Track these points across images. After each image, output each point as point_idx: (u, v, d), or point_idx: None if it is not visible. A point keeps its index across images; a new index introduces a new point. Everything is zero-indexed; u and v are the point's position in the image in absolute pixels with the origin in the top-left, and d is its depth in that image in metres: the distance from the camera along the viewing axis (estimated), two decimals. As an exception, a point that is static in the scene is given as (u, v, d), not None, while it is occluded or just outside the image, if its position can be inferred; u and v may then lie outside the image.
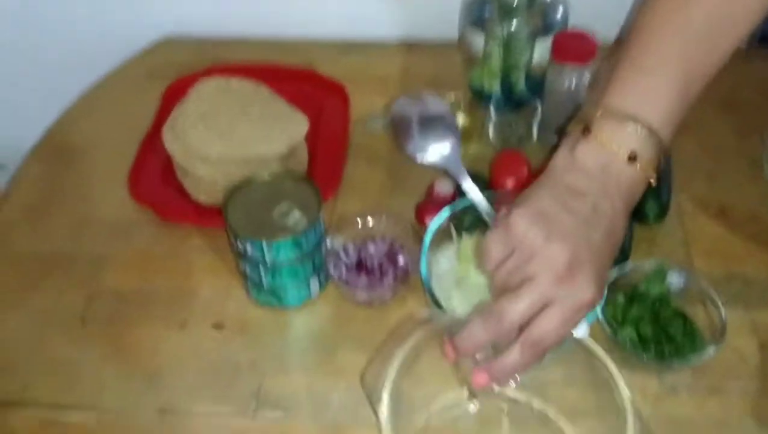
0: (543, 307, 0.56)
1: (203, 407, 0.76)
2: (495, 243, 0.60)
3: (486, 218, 0.77)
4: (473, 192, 0.79)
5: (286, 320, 0.84)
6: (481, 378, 0.60)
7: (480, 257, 0.62)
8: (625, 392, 0.60)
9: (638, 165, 0.61)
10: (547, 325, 0.57)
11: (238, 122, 0.91)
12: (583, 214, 0.59)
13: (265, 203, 0.80)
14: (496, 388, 0.74)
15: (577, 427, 0.71)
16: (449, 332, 0.63)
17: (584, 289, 0.57)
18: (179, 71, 1.11)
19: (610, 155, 0.61)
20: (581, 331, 0.62)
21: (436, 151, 0.85)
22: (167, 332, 0.83)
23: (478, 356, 0.61)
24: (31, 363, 0.81)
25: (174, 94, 1.04)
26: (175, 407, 0.76)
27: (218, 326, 0.84)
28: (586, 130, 0.63)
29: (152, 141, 1.00)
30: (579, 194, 0.60)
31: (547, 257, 0.57)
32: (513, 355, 0.58)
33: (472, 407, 0.73)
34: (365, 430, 0.72)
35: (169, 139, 0.92)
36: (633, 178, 0.62)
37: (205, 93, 0.95)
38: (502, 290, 0.59)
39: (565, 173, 0.62)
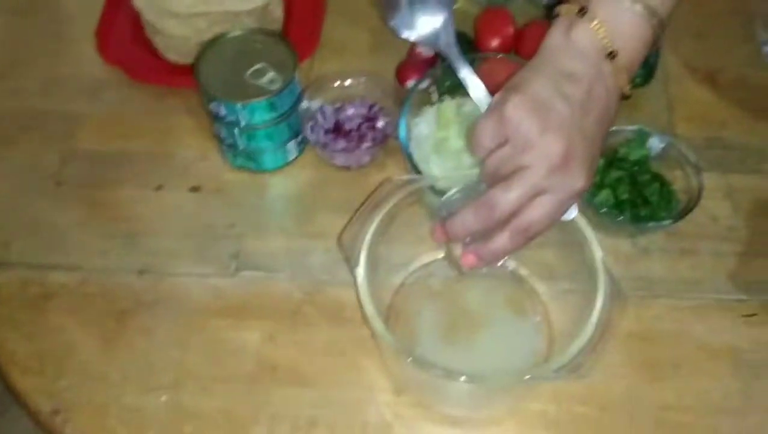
0: (535, 196, 0.56)
1: (183, 267, 0.77)
2: (487, 131, 0.59)
3: (479, 104, 0.74)
4: (471, 80, 0.73)
5: (264, 183, 0.83)
6: (469, 259, 0.61)
7: (471, 142, 0.61)
8: (597, 252, 0.61)
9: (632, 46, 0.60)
10: (538, 213, 0.57)
11: (209, -26, 0.86)
12: (578, 100, 0.57)
13: (239, 63, 0.77)
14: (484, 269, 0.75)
15: (549, 287, 0.73)
16: (440, 215, 0.63)
17: (577, 177, 0.57)
18: None
19: (605, 37, 0.59)
20: (571, 214, 0.62)
21: (426, 25, 0.77)
22: (144, 193, 0.83)
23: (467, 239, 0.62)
24: (9, 222, 0.81)
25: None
26: (155, 268, 0.77)
27: (195, 188, 0.83)
28: (582, 10, 0.61)
29: (119, -6, 0.95)
30: (574, 78, 0.58)
31: (542, 148, 0.56)
32: (502, 240, 0.58)
33: (447, 266, 0.75)
34: (343, 290, 0.74)
35: (136, -7, 0.87)
36: (629, 57, 0.60)
37: (173, -58, 0.89)
38: (493, 178, 0.59)
39: (559, 56, 0.60)
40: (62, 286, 0.76)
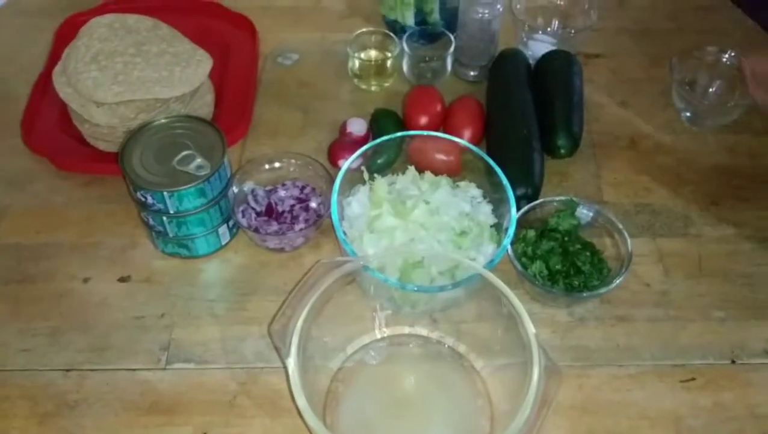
0: None
1: (111, 363, 0.74)
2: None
3: None
4: None
5: (196, 270, 0.81)
6: None
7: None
8: (529, 328, 0.61)
9: None
10: None
11: (135, 62, 0.86)
12: None
13: (166, 150, 0.76)
14: (408, 328, 0.74)
15: (487, 362, 0.72)
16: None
17: None
18: (73, 7, 1.04)
19: None
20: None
21: None
22: (71, 286, 0.80)
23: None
24: (-77, 326, 0.77)
25: (67, 33, 0.97)
26: (81, 364, 0.74)
27: (124, 279, 0.80)
28: None
29: (45, 85, 0.94)
30: None
31: None
32: None
33: (385, 347, 0.73)
34: (280, 376, 0.72)
35: (60, 82, 0.86)
36: None
37: (99, 32, 0.89)
38: None
39: None
40: (-20, 389, 0.72)
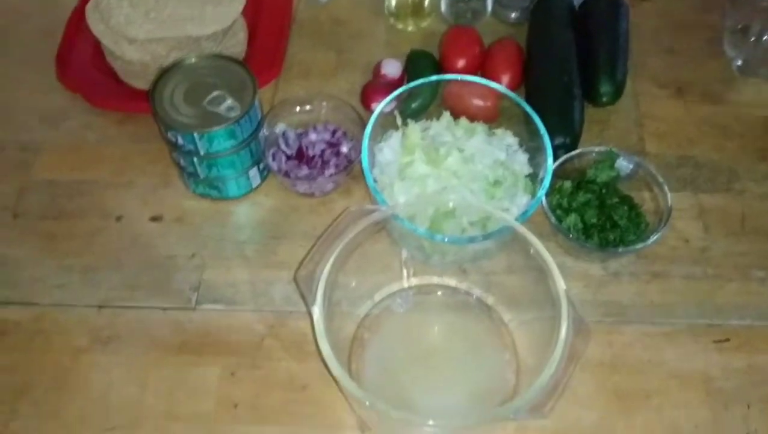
0: None
1: (143, 301, 0.75)
2: None
3: None
4: None
5: (227, 212, 0.81)
6: None
7: None
8: (560, 283, 0.59)
9: None
10: None
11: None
12: None
13: (197, 90, 0.75)
14: (436, 278, 0.74)
15: (515, 315, 0.71)
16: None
17: None
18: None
19: None
20: None
21: None
22: (104, 225, 0.81)
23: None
24: (-37, 259, 0.79)
25: (100, -34, 0.96)
26: (114, 302, 0.75)
27: (156, 218, 0.81)
28: None
29: (79, 21, 0.93)
30: None
31: None
32: None
33: (414, 296, 0.73)
34: (307, 321, 0.72)
35: (94, 19, 0.85)
36: None
37: (131, -35, 0.87)
38: None
39: None
40: (15, 323, 0.74)
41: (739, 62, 0.90)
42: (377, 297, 0.73)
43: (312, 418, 0.68)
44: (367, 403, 0.55)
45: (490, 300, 0.73)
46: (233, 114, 0.74)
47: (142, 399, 0.69)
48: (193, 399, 0.69)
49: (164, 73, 0.77)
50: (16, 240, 0.80)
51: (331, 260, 0.61)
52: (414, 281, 0.74)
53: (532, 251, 0.63)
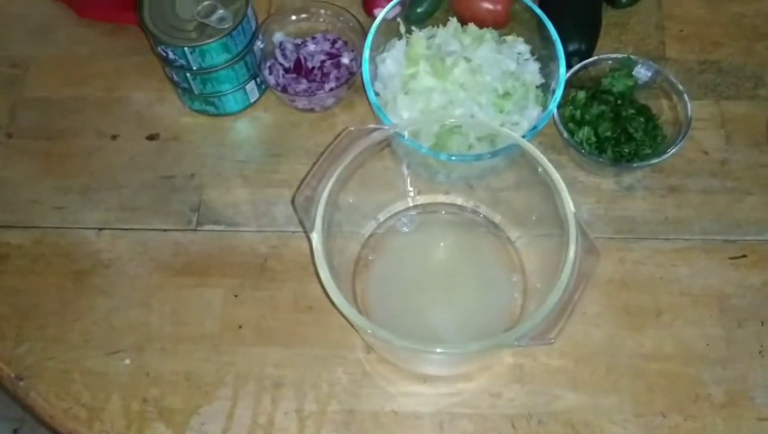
0: None
1: (143, 223, 0.74)
2: None
3: None
4: None
5: (225, 128, 0.78)
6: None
7: None
8: (568, 205, 0.57)
9: None
10: None
11: None
12: None
13: (186, 0, 0.71)
14: (443, 196, 0.71)
15: (522, 232, 0.69)
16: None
17: None
18: None
19: None
20: None
21: None
22: (99, 143, 0.78)
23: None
24: (-41, 181, 0.77)
25: None
26: (114, 223, 0.74)
27: (152, 136, 0.78)
28: None
29: None
30: None
31: None
32: None
33: (419, 214, 0.71)
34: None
35: None
36: None
37: None
38: None
39: None
40: (17, 247, 0.73)
41: (774, -46, 0.83)
42: (381, 217, 0.71)
43: (317, 339, 0.67)
44: (369, 331, 0.54)
45: (497, 218, 0.70)
46: (225, 25, 0.69)
47: (146, 321, 0.69)
48: (197, 320, 0.69)
49: (152, -18, 0.72)
50: (11, 161, 0.78)
51: (330, 183, 0.59)
52: (420, 199, 0.72)
53: (540, 169, 0.60)
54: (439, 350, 0.54)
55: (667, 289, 0.68)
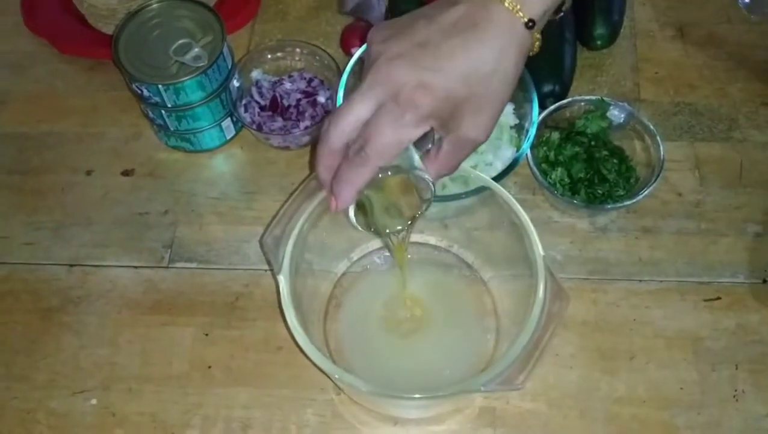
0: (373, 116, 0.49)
1: (114, 259, 0.73)
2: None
3: None
4: None
5: (200, 165, 0.78)
6: (331, 205, 0.52)
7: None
8: (537, 250, 0.56)
9: None
10: (370, 129, 0.48)
11: (132, -64, 0.79)
12: (445, 22, 0.48)
13: (162, 38, 0.71)
14: (418, 235, 0.71)
15: (495, 274, 0.68)
16: None
17: (402, 82, 0.47)
18: None
19: None
20: (413, 159, 0.52)
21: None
22: (73, 179, 0.78)
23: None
24: (-70, 216, 0.76)
25: None
26: (85, 260, 0.73)
27: (127, 172, 0.78)
28: None
29: (44, -41, 0.88)
30: (453, 3, 0.48)
31: (372, 57, 0.49)
32: (342, 169, 0.50)
33: (390, 254, 0.70)
34: (282, 280, 0.70)
35: (55, -42, 0.80)
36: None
37: None
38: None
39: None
40: (-14, 283, 0.72)
41: (747, 0, 0.84)
42: (354, 256, 0.71)
43: (287, 380, 0.66)
44: (336, 376, 0.53)
45: (470, 258, 0.70)
46: (200, 63, 0.69)
47: (114, 360, 0.68)
48: (166, 360, 0.68)
49: (129, 19, 0.72)
50: (-17, 196, 0.77)
51: (300, 223, 0.59)
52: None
53: (512, 215, 0.60)
54: (403, 396, 0.53)
55: (640, 331, 0.68)
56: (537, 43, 0.50)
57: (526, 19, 0.48)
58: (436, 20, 0.48)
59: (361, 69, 0.72)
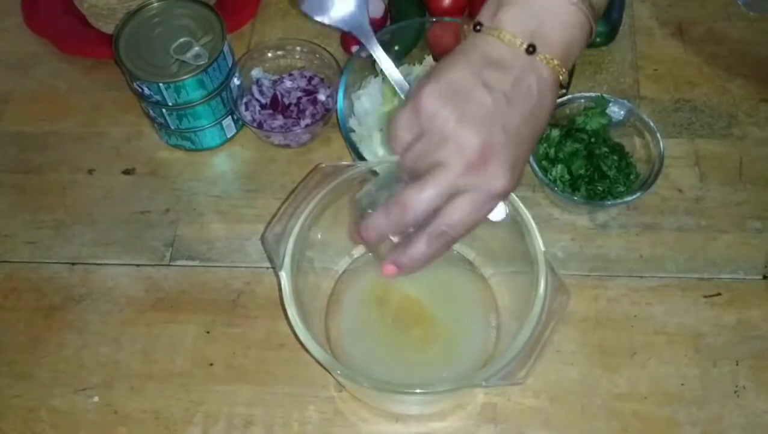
0: (451, 196, 0.50)
1: (116, 258, 0.73)
2: (403, 123, 0.52)
3: (399, 92, 0.68)
4: (385, 62, 0.68)
5: (201, 163, 0.78)
6: (389, 270, 0.54)
7: (389, 137, 0.54)
8: (538, 245, 0.57)
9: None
10: (455, 216, 0.50)
11: (132, -65, 0.79)
12: (503, 90, 0.50)
13: (162, 36, 0.71)
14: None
15: (496, 271, 0.68)
16: (360, 211, 0.56)
17: (497, 177, 0.50)
18: None
19: (538, 18, 0.50)
20: (499, 215, 0.56)
21: (340, 7, 0.68)
22: (75, 178, 0.78)
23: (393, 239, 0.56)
24: (-68, 215, 0.76)
25: None
26: (86, 259, 0.73)
27: (128, 171, 0.78)
28: None
29: (45, -41, 0.88)
30: (500, 66, 0.50)
31: (458, 142, 0.49)
32: (419, 246, 0.52)
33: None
34: (284, 278, 0.70)
35: (56, -42, 0.81)
36: (568, 40, 0.52)
37: None
38: (411, 175, 0.52)
39: (485, 41, 0.51)
40: (-12, 282, 0.72)
41: (747, -4, 0.85)
42: (355, 253, 0.71)
43: (288, 377, 0.67)
44: (338, 371, 0.53)
45: (471, 255, 0.70)
46: (201, 62, 0.70)
47: (116, 358, 0.68)
48: (168, 358, 0.68)
49: (130, 18, 0.73)
50: (-15, 195, 0.77)
51: (301, 220, 0.59)
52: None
53: (513, 212, 0.60)
54: (404, 391, 0.53)
55: (641, 327, 0.68)
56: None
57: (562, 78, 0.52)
58: (508, 96, 0.50)
59: (363, 68, 0.73)
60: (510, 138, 0.50)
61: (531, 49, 0.50)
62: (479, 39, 0.51)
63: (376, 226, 0.52)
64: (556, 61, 0.50)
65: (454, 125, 0.49)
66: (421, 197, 0.50)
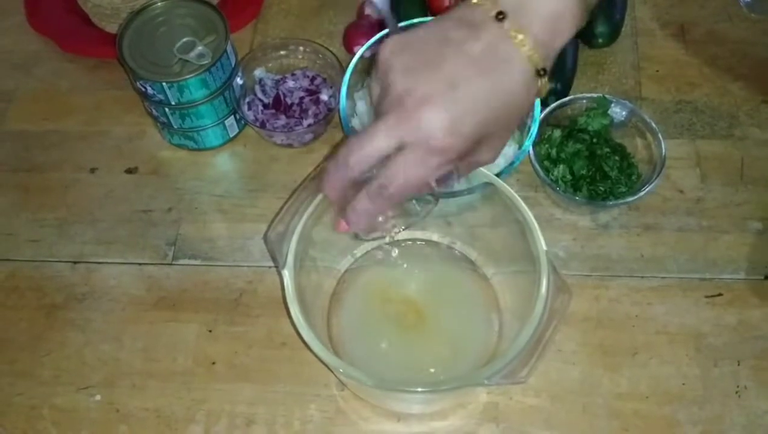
0: (396, 150, 0.47)
1: (118, 257, 0.73)
2: (374, 77, 0.50)
3: None
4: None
5: (204, 163, 0.78)
6: (340, 226, 0.52)
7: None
8: (540, 245, 0.57)
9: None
10: (391, 169, 0.47)
11: (136, -65, 0.79)
12: (463, 47, 0.46)
13: (166, 36, 0.72)
14: (420, 232, 0.71)
15: (498, 270, 0.69)
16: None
17: (433, 128, 0.45)
18: None
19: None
20: (451, 183, 0.53)
21: None
22: (77, 177, 0.78)
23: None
24: (-65, 214, 0.77)
25: None
26: (89, 257, 0.73)
27: (131, 170, 0.78)
28: None
29: (48, -41, 0.88)
30: (468, 25, 0.47)
31: (396, 91, 0.46)
32: (361, 201, 0.49)
33: (395, 251, 0.70)
34: (286, 277, 0.70)
35: (60, -42, 0.81)
36: (553, 17, 0.47)
37: None
38: None
39: (466, 6, 0.48)
40: (-9, 280, 0.72)
41: (748, -2, 0.85)
42: (358, 252, 0.71)
43: (290, 376, 0.67)
44: (341, 370, 0.54)
45: (473, 255, 0.70)
46: (204, 61, 0.70)
47: (118, 356, 0.68)
48: (170, 356, 0.68)
49: (133, 17, 0.73)
50: (-12, 194, 0.78)
51: (303, 219, 0.59)
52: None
53: (515, 211, 0.60)
54: (407, 389, 0.53)
55: (642, 327, 0.68)
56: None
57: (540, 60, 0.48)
58: (464, 51, 0.46)
59: (366, 68, 0.73)
60: (458, 94, 0.46)
61: (500, 16, 0.47)
62: (463, 6, 0.49)
63: (330, 181, 0.50)
64: (530, 38, 0.47)
65: (395, 75, 0.47)
66: (361, 151, 0.47)
